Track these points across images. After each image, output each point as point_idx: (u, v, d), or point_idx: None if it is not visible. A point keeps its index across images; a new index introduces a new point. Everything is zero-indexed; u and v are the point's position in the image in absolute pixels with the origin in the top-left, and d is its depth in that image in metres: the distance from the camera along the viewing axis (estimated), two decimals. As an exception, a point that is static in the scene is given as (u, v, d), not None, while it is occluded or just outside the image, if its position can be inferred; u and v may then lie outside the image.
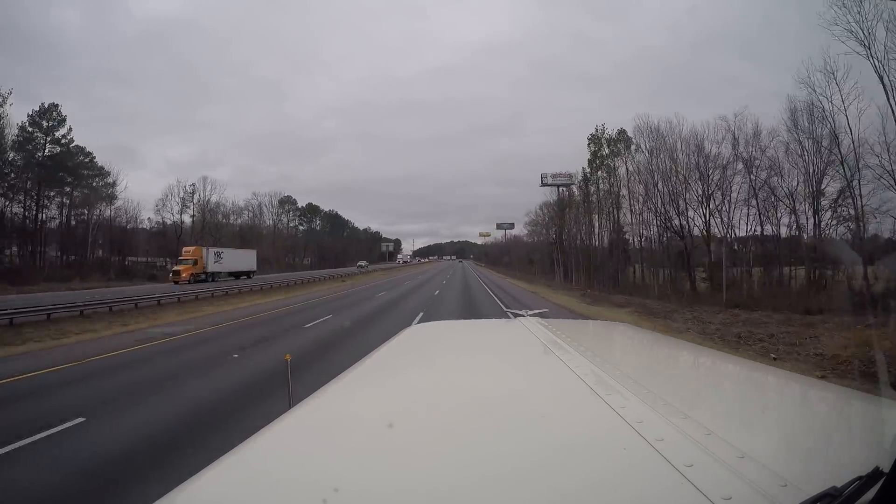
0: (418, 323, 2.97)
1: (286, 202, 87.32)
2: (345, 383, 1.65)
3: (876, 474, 0.74)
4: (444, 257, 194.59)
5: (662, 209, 33.60)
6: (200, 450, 4.86)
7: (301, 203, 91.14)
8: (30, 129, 42.35)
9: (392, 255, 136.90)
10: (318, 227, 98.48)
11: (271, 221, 78.43)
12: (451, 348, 2.40)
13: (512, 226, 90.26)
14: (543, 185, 53.14)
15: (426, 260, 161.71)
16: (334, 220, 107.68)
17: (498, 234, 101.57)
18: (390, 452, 1.03)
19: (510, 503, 0.83)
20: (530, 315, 2.93)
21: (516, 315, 3.00)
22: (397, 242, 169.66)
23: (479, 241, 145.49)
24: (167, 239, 50.94)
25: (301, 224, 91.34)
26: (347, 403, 1.49)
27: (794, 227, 27.18)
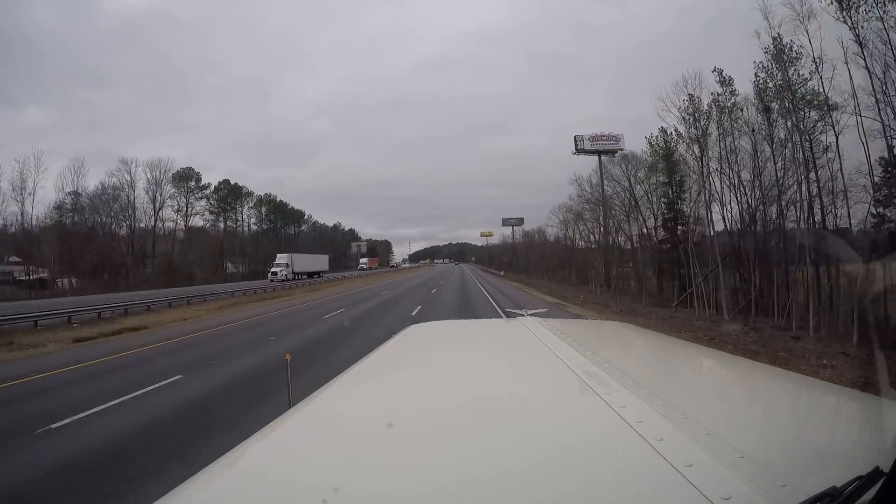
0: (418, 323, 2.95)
1: (185, 179, 55.24)
2: (345, 383, 1.65)
3: (876, 474, 0.74)
4: (437, 261, 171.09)
5: None
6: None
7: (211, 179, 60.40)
8: None
9: (372, 259, 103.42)
10: (252, 220, 70.69)
11: (150, 208, 48.43)
12: (450, 348, 2.40)
13: (521, 221, 75.85)
14: (578, 151, 39.88)
15: (407, 266, 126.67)
16: (279, 210, 77.34)
17: (504, 233, 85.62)
18: (390, 452, 1.03)
19: (510, 503, 0.83)
20: (530, 315, 2.93)
21: (515, 314, 2.99)
22: (386, 244, 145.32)
23: (479, 243, 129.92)
24: None
25: (212, 212, 61.27)
26: (347, 403, 1.49)
27: None
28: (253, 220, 73.55)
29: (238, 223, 70.34)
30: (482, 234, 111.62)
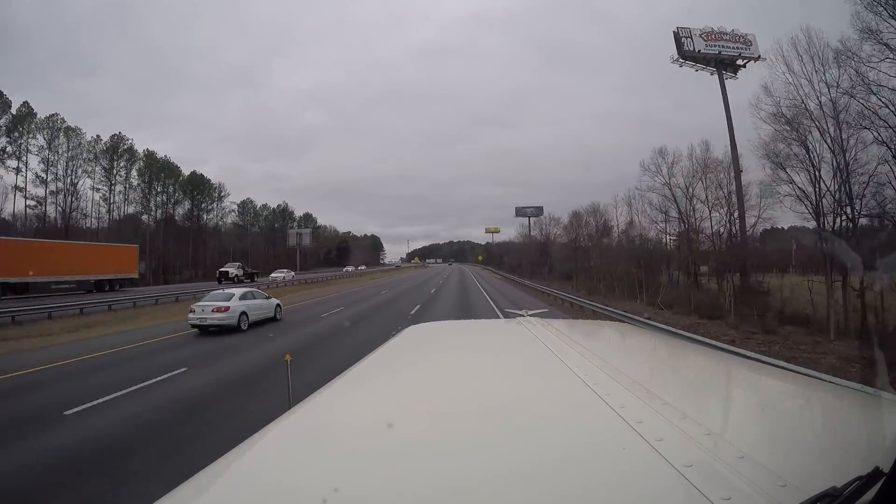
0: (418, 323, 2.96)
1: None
2: (345, 383, 1.66)
3: (876, 474, 0.74)
4: (430, 261, 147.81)
5: None
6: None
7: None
8: None
9: (343, 262, 73.66)
10: (103, 187, 42.59)
11: None
12: (450, 348, 2.40)
13: (540, 211, 59.37)
14: (684, 56, 24.41)
15: (360, 270, 79.19)
16: (164, 174, 49.38)
17: (520, 224, 65.25)
18: (390, 453, 1.03)
19: (509, 502, 0.83)
20: (530, 315, 2.93)
21: (515, 315, 3.00)
22: (374, 240, 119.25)
23: (483, 241, 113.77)
24: None
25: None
26: (348, 403, 1.49)
27: None
28: (100, 185, 42.68)
29: (63, 187, 38.25)
30: (487, 230, 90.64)
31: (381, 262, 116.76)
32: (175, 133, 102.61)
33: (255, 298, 16.67)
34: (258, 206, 70.37)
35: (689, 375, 1.84)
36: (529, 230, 61.33)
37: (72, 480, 4.90)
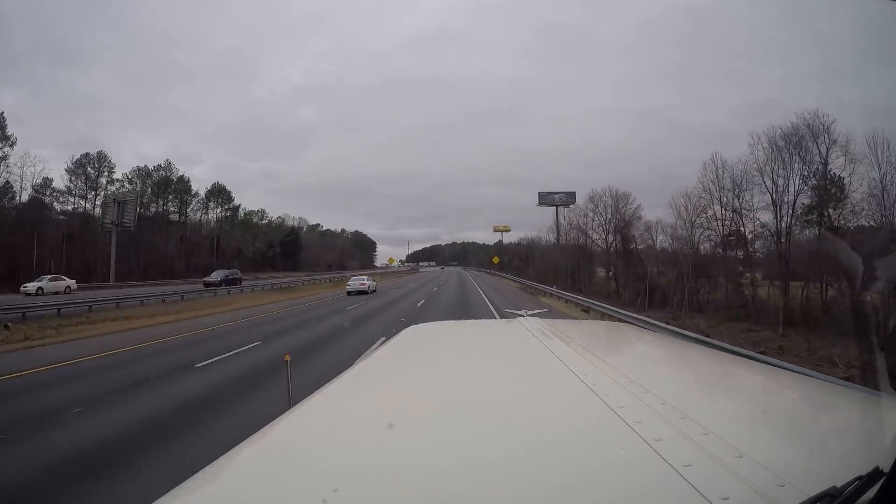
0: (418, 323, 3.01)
1: None
2: (345, 383, 1.66)
3: (876, 474, 0.74)
4: (424, 264, 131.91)
5: None
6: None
7: None
8: None
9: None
10: None
11: None
12: (450, 348, 2.41)
13: (572, 197, 45.84)
14: None
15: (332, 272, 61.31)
16: None
17: (516, 231, 58.52)
18: (390, 452, 1.03)
19: (509, 503, 0.82)
20: (529, 315, 2.93)
21: (515, 315, 3.00)
22: (359, 238, 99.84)
23: (486, 241, 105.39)
24: None
25: None
26: (347, 403, 1.49)
27: None
28: None
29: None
30: (496, 229, 77.43)
31: (374, 264, 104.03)
32: (168, 128, 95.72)
33: (371, 280, 35.12)
34: (126, 173, 41.43)
35: (688, 375, 1.84)
36: (557, 222, 44.32)
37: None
